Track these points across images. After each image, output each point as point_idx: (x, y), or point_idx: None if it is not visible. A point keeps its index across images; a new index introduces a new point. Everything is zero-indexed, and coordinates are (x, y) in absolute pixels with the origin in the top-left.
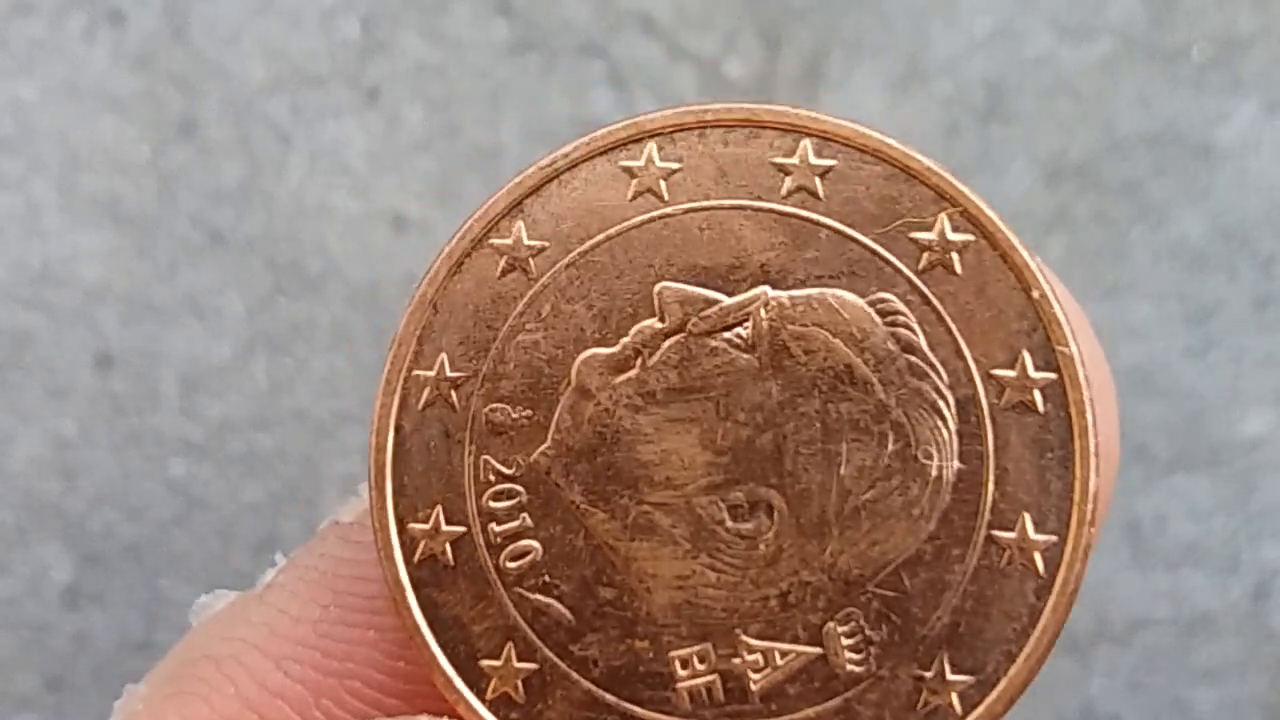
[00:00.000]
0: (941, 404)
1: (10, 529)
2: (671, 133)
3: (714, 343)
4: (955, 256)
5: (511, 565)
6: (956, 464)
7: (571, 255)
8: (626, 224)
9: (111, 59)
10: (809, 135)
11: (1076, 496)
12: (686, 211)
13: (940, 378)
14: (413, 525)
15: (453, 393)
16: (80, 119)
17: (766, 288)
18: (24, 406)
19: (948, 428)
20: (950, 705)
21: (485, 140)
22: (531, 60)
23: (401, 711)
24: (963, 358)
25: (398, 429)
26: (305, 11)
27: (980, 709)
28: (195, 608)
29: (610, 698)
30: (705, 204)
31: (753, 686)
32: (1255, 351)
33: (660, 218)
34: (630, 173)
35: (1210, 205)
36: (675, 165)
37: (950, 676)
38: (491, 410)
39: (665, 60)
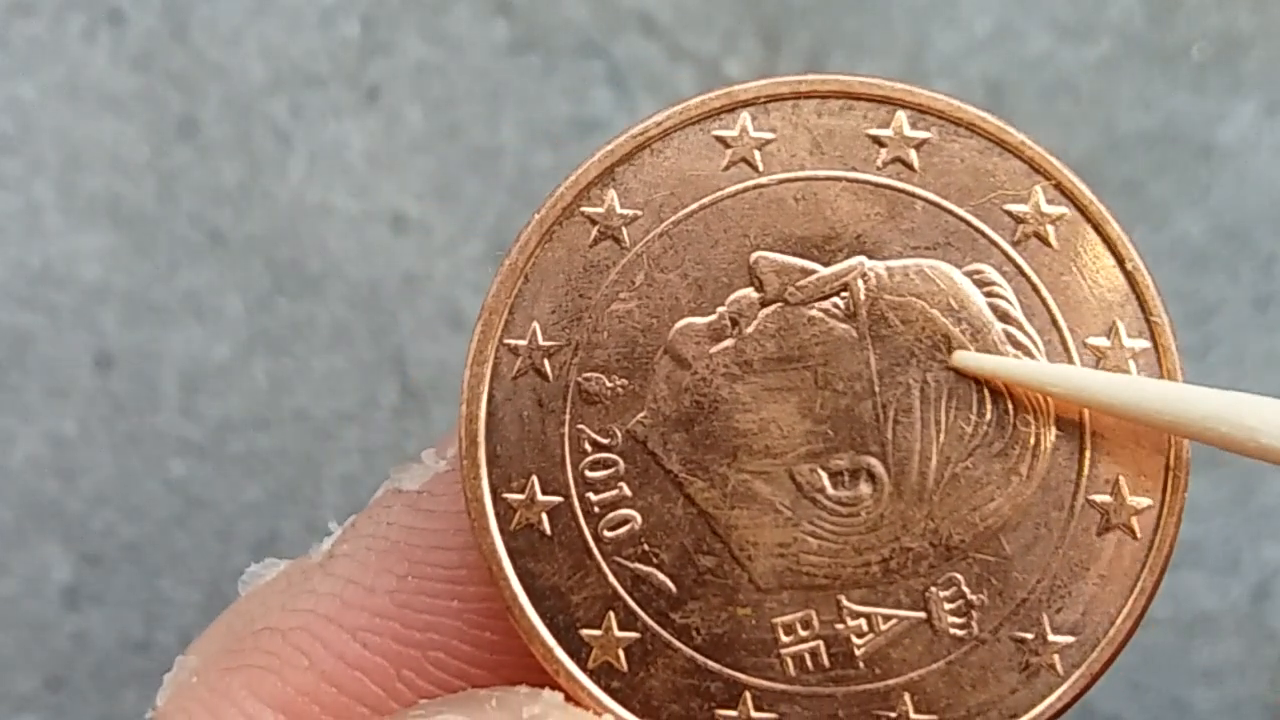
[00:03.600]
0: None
1: (10, 529)
2: (765, 103)
3: (811, 312)
4: (1050, 229)
5: (610, 534)
6: (1054, 430)
7: (665, 224)
8: (720, 194)
9: (111, 59)
10: (904, 107)
11: (1171, 460)
12: (781, 182)
13: (1037, 346)
14: (507, 495)
15: (545, 362)
16: (80, 119)
17: (863, 258)
18: (24, 406)
19: (1045, 396)
20: (1052, 666)
21: (485, 140)
22: (531, 60)
23: (487, 682)
24: (1058, 327)
25: (489, 398)
26: (305, 11)
27: (1081, 669)
28: (245, 576)
29: (714, 665)
30: (800, 174)
31: (857, 651)
32: (1255, 351)
33: (754, 188)
34: (724, 142)
35: (1210, 205)
36: (769, 135)
37: (1051, 638)
38: (586, 379)
39: (665, 60)
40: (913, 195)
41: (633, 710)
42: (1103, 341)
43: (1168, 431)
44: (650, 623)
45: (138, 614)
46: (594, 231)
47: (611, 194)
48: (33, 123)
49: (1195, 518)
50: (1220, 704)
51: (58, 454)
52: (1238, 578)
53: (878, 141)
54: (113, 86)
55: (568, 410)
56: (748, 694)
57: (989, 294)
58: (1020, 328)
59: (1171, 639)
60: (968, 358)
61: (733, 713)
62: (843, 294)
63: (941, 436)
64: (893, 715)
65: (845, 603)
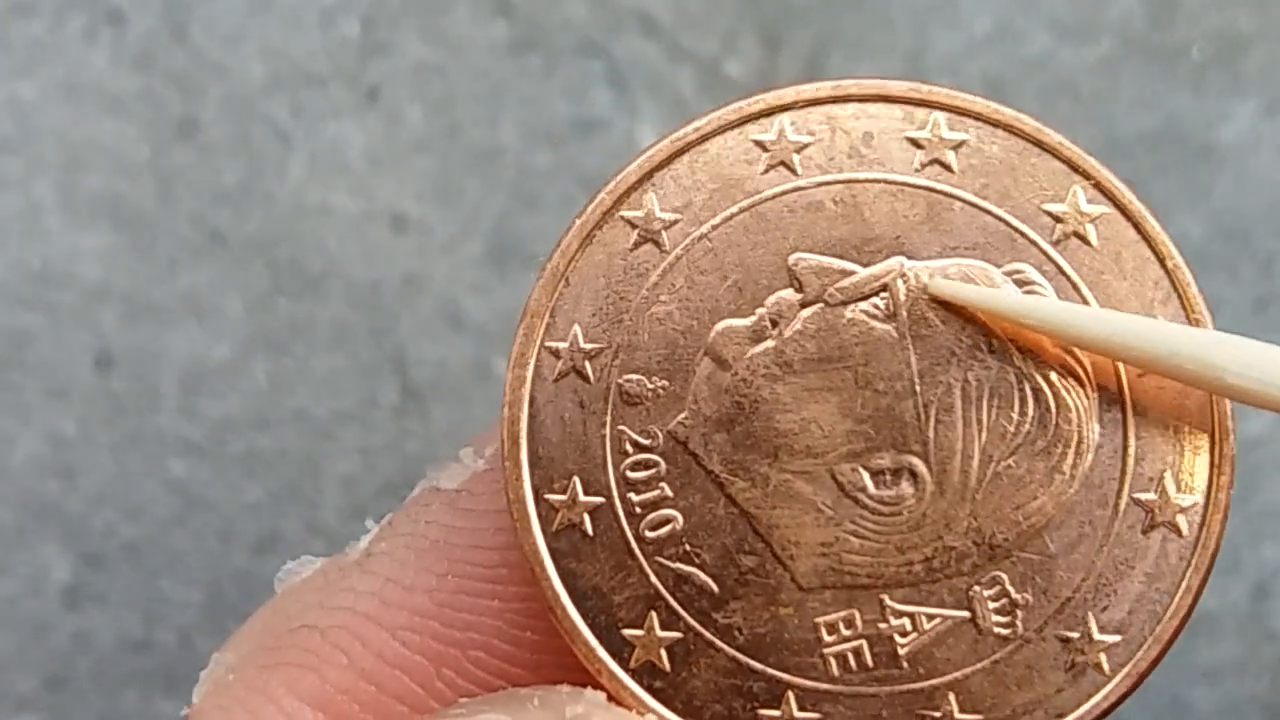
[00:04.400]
0: (1080, 369)
1: (10, 529)
2: (803, 107)
3: (851, 313)
4: (1090, 228)
5: (651, 534)
6: (1097, 428)
7: (704, 228)
8: (759, 197)
9: (111, 59)
10: (941, 109)
11: (1215, 458)
12: (819, 185)
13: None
14: (549, 496)
15: (587, 364)
16: (80, 119)
17: (902, 259)
18: (24, 406)
19: (1087, 393)
20: (1099, 664)
21: (485, 140)
22: (531, 60)
23: (527, 682)
24: None
25: (531, 401)
26: (305, 11)
27: (1127, 668)
28: (281, 574)
29: (756, 664)
30: (838, 177)
31: (900, 650)
32: None
33: (793, 190)
34: (762, 146)
35: (1210, 205)
36: (807, 139)
37: (1097, 636)
38: (626, 381)
39: (665, 60)
40: (951, 196)
41: (675, 710)
42: None
43: (1137, 366)
44: (692, 622)
45: (138, 614)
46: (634, 235)
47: (651, 198)
48: (33, 123)
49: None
50: (1220, 704)
51: (58, 454)
52: (1238, 578)
53: (915, 143)
54: (113, 86)
55: (609, 412)
56: (790, 694)
57: (1029, 293)
58: None
59: None
60: (943, 285)
61: (776, 712)
62: (882, 294)
63: (983, 435)
64: (937, 715)
65: (888, 602)
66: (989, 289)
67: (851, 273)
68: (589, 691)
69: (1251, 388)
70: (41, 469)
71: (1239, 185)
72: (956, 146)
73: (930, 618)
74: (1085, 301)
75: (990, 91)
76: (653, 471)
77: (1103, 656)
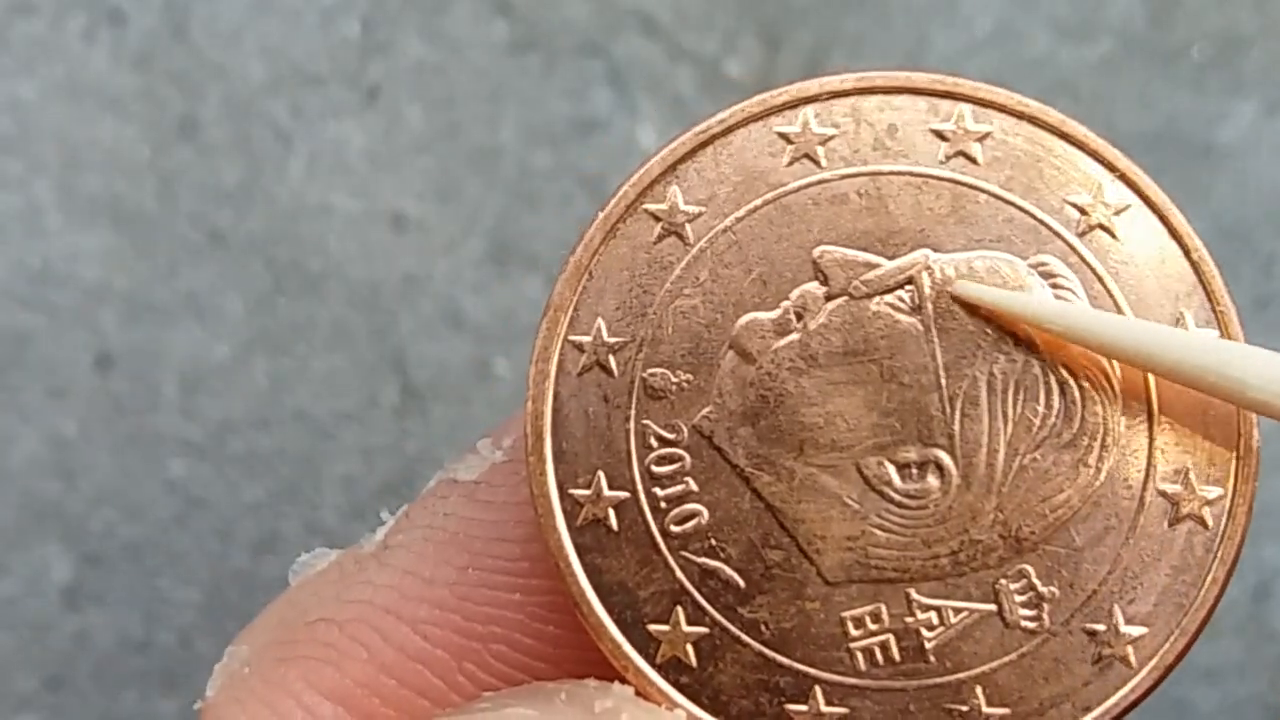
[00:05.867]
0: (1105, 362)
1: (10, 529)
2: (827, 99)
3: (876, 306)
4: (1114, 220)
5: (677, 529)
6: (1122, 420)
7: (728, 220)
8: (784, 189)
9: (111, 59)
10: (966, 101)
11: (1240, 450)
12: (844, 177)
13: None
14: (573, 491)
15: (610, 358)
16: (80, 119)
17: (928, 251)
18: (24, 406)
19: (1112, 385)
20: (1125, 658)
21: (485, 140)
22: (531, 60)
23: (550, 676)
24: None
25: (555, 395)
26: (305, 11)
27: (1154, 661)
28: (296, 566)
29: (783, 659)
30: (863, 169)
31: (927, 644)
32: None
33: (818, 183)
34: (786, 138)
35: (1210, 205)
36: (832, 131)
37: (1123, 630)
38: (651, 375)
39: (665, 60)
40: (976, 189)
41: (702, 705)
42: None
43: (1159, 375)
44: (718, 617)
45: (138, 614)
46: (658, 228)
47: (675, 190)
48: (33, 123)
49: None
50: (1220, 704)
51: (58, 454)
52: (1238, 578)
53: (940, 136)
54: (113, 86)
55: (633, 406)
56: (818, 688)
57: (1054, 285)
58: None
59: None
60: (968, 287)
61: (803, 707)
62: (908, 287)
63: (1009, 428)
64: (964, 709)
65: (915, 596)
66: (1012, 292)
67: (876, 265)
68: (617, 686)
69: (1273, 401)
70: (41, 469)
71: (1239, 185)
72: (981, 139)
73: (957, 611)
74: (1110, 294)
75: None
76: (678, 466)
77: (1129, 649)
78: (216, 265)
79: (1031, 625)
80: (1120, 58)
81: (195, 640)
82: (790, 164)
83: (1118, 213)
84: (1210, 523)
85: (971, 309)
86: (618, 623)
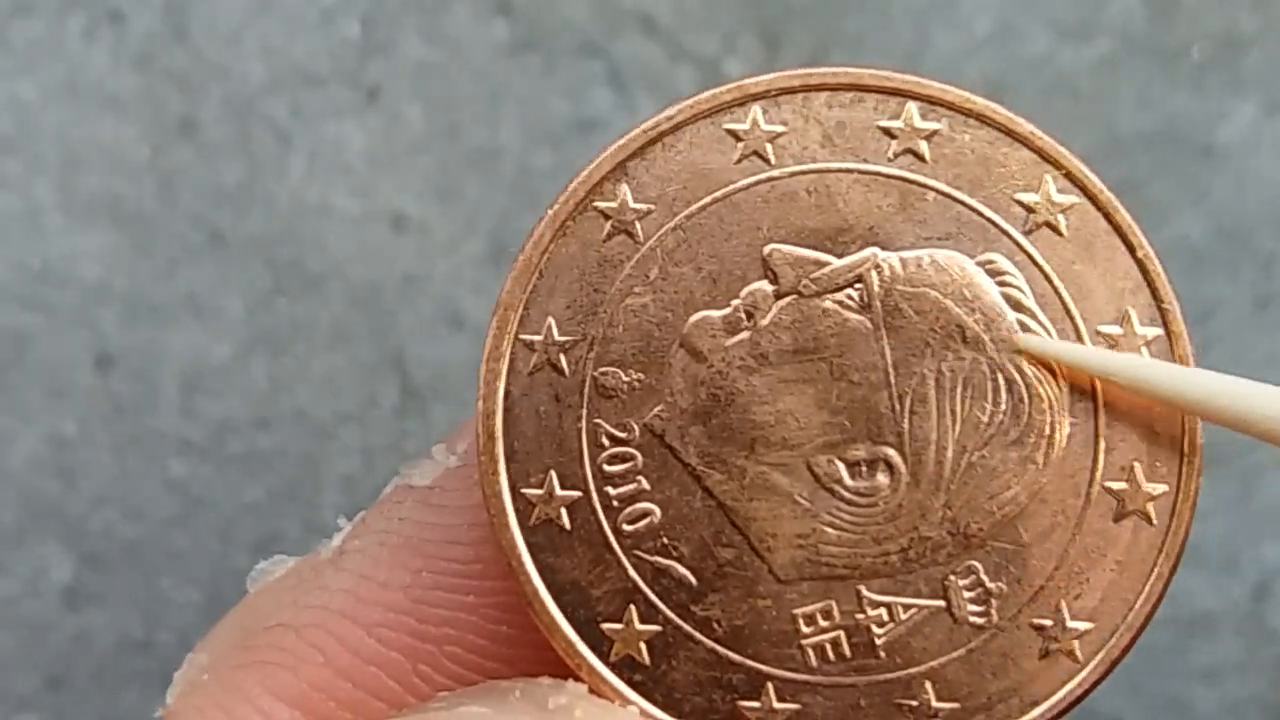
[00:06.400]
0: (1052, 360)
1: (10, 529)
2: (776, 96)
3: (826, 304)
4: (1061, 218)
5: (629, 528)
6: (1069, 418)
7: (678, 218)
8: (733, 187)
9: (111, 59)
10: (914, 99)
11: (1185, 447)
12: (793, 174)
13: (1050, 335)
14: (526, 490)
15: (561, 357)
16: (80, 119)
17: (876, 249)
18: (24, 406)
19: (1059, 383)
20: (1072, 652)
21: (485, 140)
22: (531, 60)
23: (504, 676)
24: (1070, 316)
25: (506, 394)
26: (305, 11)
27: (1100, 655)
28: (254, 573)
29: (735, 656)
30: (812, 167)
31: (878, 640)
32: (1255, 351)
33: (767, 180)
34: (735, 136)
35: (1210, 205)
36: (780, 128)
37: (1070, 624)
38: (602, 374)
39: (665, 60)
40: (924, 186)
41: (655, 703)
42: (1115, 329)
43: (1231, 428)
44: (671, 615)
45: (138, 614)
46: (607, 226)
47: (624, 188)
48: (33, 123)
49: (1195, 518)
50: (1220, 704)
51: (58, 454)
52: (1238, 578)
53: (888, 133)
54: (113, 86)
55: (584, 405)
56: (770, 685)
57: (1001, 283)
58: (1033, 316)
59: (1171, 639)
60: (1033, 341)
61: (755, 704)
62: (857, 285)
63: (958, 426)
64: (914, 704)
65: (865, 593)
66: (1084, 347)
67: (826, 263)
68: (571, 683)
69: None
70: (41, 469)
71: (1239, 185)
72: (929, 136)
73: (906, 608)
74: (1057, 291)
75: (990, 92)
76: (630, 465)
77: (1075, 644)
78: (216, 265)
79: (980, 621)
80: (1120, 58)
81: (195, 640)
82: (739, 161)
83: (1064, 211)
84: (1155, 519)
85: (920, 305)
86: (571, 621)
